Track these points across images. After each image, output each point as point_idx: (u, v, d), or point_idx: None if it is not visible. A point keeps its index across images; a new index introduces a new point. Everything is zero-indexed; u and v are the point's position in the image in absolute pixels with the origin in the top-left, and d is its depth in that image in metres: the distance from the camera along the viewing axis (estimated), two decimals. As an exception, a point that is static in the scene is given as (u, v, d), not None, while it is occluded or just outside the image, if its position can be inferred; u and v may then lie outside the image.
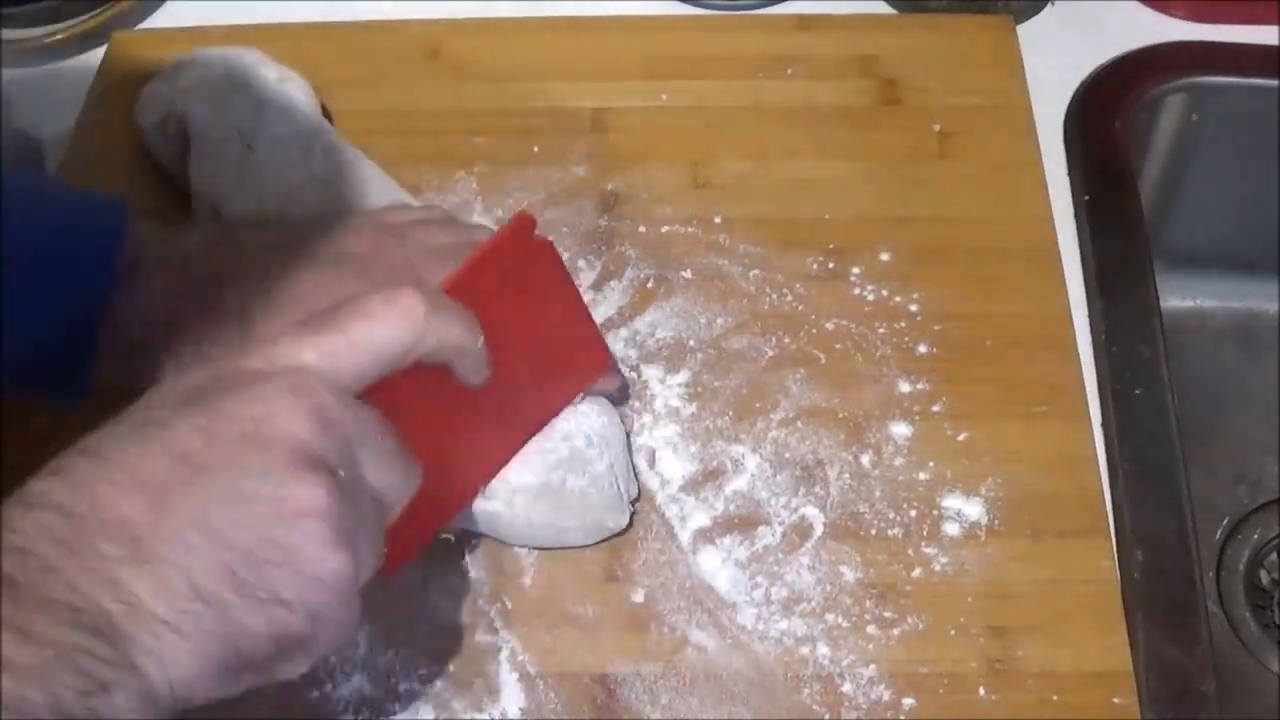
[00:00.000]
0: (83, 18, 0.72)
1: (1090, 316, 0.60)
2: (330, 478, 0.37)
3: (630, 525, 0.53)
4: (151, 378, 0.50)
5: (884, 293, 0.60)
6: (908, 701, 0.49)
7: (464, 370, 0.45)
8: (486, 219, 0.63)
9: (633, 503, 0.53)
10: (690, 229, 0.63)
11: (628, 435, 0.54)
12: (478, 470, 0.51)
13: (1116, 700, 0.49)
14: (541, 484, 0.51)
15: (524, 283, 0.49)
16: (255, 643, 0.36)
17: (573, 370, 0.53)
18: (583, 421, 0.52)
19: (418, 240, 0.53)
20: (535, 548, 0.53)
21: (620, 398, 0.56)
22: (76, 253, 0.49)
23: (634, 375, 0.58)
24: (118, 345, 0.49)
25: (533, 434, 0.52)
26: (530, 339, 0.49)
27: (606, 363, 0.55)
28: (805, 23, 0.71)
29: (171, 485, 0.35)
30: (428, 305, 0.41)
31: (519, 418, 0.51)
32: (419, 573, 0.52)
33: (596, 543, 0.53)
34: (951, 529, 0.53)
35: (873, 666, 0.50)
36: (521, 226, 0.48)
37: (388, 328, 0.40)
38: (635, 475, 0.54)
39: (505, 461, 0.51)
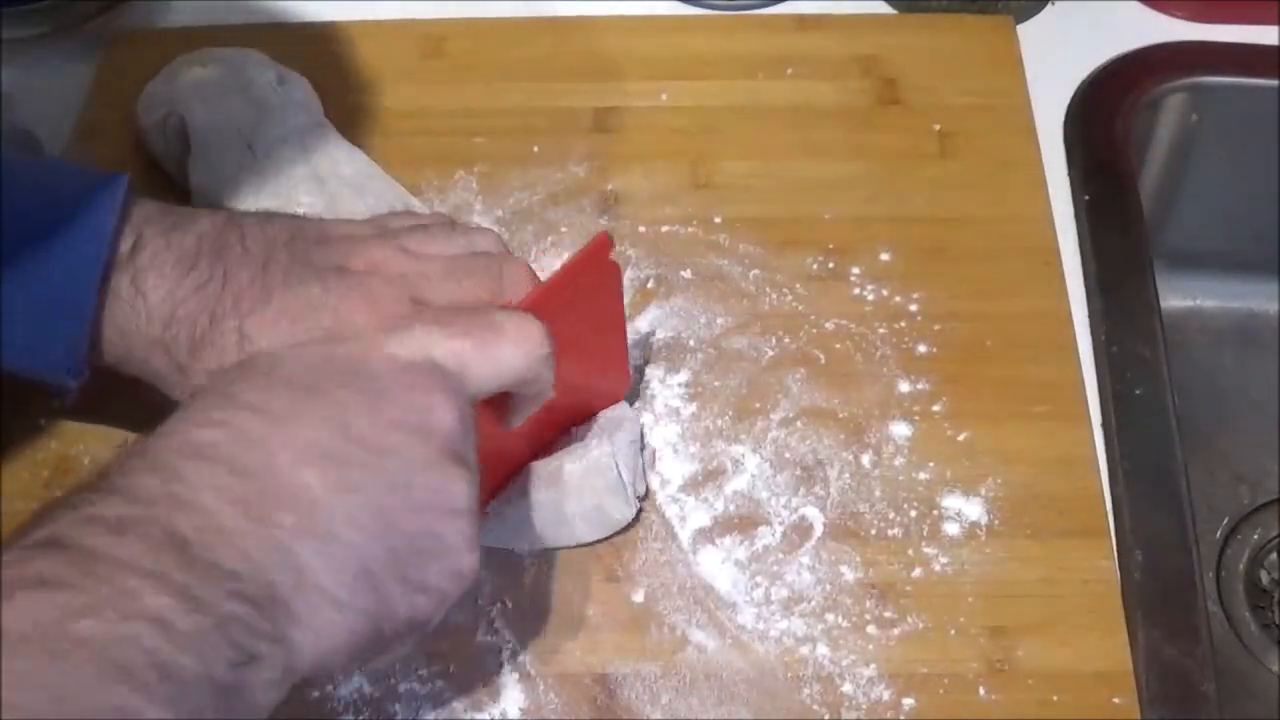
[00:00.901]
0: (83, 18, 0.72)
1: (1090, 316, 0.60)
2: (474, 475, 0.38)
3: (632, 523, 0.53)
4: (148, 363, 0.50)
5: (884, 293, 0.60)
6: (908, 701, 0.49)
7: (517, 408, 0.45)
8: (486, 219, 0.63)
9: (639, 499, 0.53)
10: (690, 229, 0.63)
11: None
12: (494, 481, 0.51)
13: (1116, 700, 0.49)
14: (538, 467, 0.51)
15: (589, 305, 0.48)
16: (394, 626, 0.37)
17: (601, 389, 0.53)
18: None
19: (417, 251, 0.53)
20: (542, 547, 0.53)
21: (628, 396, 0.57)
22: (73, 224, 0.49)
23: (634, 375, 0.58)
24: (119, 327, 0.49)
25: (550, 446, 0.52)
26: (577, 360, 0.49)
27: (628, 383, 0.55)
28: (805, 23, 0.71)
29: (347, 462, 0.36)
30: (549, 344, 0.42)
31: (543, 432, 0.51)
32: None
33: (601, 539, 0.52)
34: (951, 529, 0.53)
35: (873, 666, 0.50)
36: (601, 247, 0.47)
37: (515, 351, 0.41)
38: (644, 472, 0.54)
39: (516, 473, 0.52)
